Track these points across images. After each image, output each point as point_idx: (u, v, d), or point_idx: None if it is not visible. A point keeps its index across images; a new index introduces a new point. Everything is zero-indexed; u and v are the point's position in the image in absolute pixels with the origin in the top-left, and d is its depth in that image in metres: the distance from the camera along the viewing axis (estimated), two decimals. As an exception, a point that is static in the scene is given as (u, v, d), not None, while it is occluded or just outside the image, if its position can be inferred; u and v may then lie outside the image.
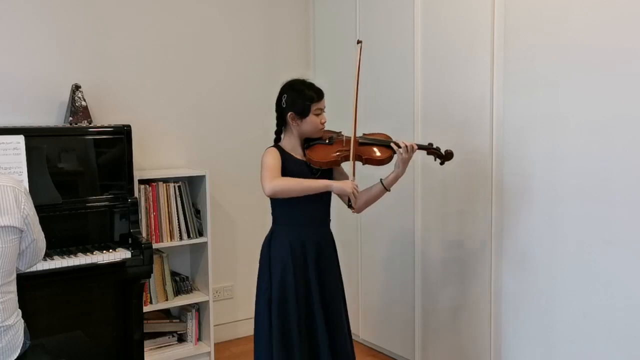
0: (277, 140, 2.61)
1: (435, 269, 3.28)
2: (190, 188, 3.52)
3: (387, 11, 3.49)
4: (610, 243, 2.44)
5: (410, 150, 2.49)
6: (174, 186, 3.43)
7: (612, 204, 2.42)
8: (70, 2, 3.30)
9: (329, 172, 2.57)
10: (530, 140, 2.73)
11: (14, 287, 2.02)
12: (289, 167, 2.47)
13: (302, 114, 2.49)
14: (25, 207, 2.00)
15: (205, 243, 3.50)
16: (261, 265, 2.58)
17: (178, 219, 3.42)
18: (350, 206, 2.51)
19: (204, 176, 3.47)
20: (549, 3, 2.62)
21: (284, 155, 2.50)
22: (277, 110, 2.58)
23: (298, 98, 2.49)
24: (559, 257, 2.63)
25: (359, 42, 2.57)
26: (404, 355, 3.51)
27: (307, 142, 2.58)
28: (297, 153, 2.55)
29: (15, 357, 2.00)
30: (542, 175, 2.68)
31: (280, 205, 2.53)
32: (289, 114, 2.50)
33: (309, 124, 2.51)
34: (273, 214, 2.59)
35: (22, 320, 2.07)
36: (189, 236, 3.46)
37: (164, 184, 3.40)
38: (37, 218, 2.10)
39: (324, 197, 2.56)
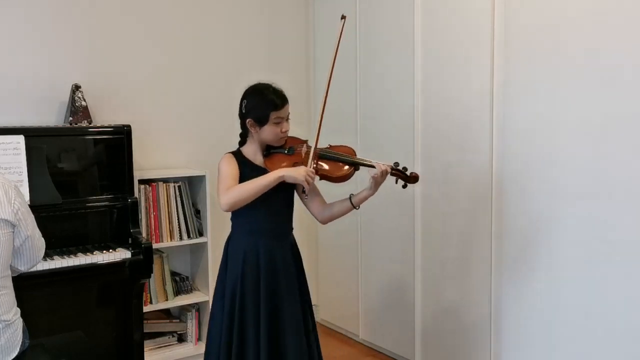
0: (242, 143, 2.50)
1: (435, 269, 3.27)
2: (190, 188, 3.52)
3: (387, 11, 3.49)
4: (610, 243, 2.44)
5: (384, 174, 2.34)
6: (174, 186, 3.43)
7: (612, 204, 2.42)
8: (70, 3, 3.30)
9: (290, 185, 2.39)
10: (530, 140, 2.72)
11: (9, 283, 2.02)
12: (247, 173, 2.35)
13: (261, 122, 2.37)
14: (15, 201, 2.01)
15: (205, 243, 3.50)
16: (219, 270, 2.50)
17: (178, 219, 3.42)
18: (303, 192, 2.39)
19: (204, 176, 3.47)
20: (549, 3, 2.62)
21: (242, 162, 2.39)
22: (239, 115, 2.45)
23: (258, 104, 2.37)
24: (559, 257, 2.63)
25: (343, 17, 2.42)
26: (404, 355, 3.51)
27: (268, 150, 2.46)
28: (257, 160, 2.44)
29: (14, 355, 2.00)
30: (542, 175, 2.68)
31: (238, 211, 2.41)
32: (248, 120, 2.39)
33: (268, 132, 2.38)
34: (231, 219, 2.49)
35: (21, 319, 2.07)
36: (189, 236, 3.46)
37: (164, 184, 3.40)
38: (31, 215, 2.10)
39: (284, 206, 2.47)
